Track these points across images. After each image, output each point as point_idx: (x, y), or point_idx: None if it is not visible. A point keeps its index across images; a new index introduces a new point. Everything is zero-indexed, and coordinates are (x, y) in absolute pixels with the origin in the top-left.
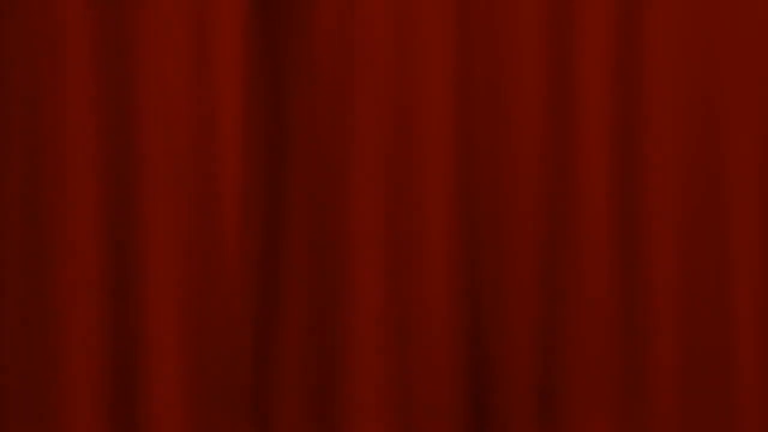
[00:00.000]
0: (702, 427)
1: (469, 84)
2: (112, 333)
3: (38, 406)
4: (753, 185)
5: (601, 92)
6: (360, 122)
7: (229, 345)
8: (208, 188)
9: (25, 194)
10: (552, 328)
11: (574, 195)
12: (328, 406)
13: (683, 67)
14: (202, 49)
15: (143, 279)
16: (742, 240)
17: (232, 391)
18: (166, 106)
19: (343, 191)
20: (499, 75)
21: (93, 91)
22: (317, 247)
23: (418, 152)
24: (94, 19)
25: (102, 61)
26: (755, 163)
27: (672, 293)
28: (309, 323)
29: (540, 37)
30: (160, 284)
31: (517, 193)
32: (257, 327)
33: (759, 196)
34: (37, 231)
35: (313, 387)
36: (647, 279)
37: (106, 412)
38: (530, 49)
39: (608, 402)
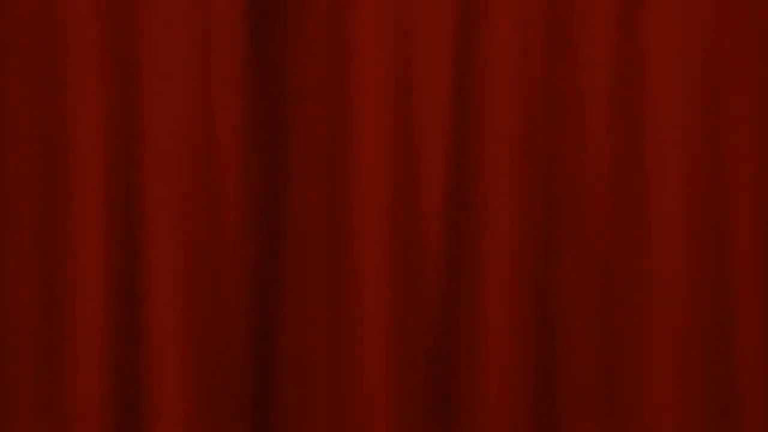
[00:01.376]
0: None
1: (468, 84)
2: (115, 333)
3: (41, 404)
4: (755, 180)
5: (602, 88)
6: (359, 120)
7: (230, 344)
8: (209, 186)
9: (29, 195)
10: (548, 325)
11: (571, 194)
12: (332, 407)
13: (684, 62)
14: (203, 48)
15: (146, 278)
16: (746, 245)
17: (234, 391)
18: (167, 105)
19: (344, 189)
20: (498, 72)
21: (95, 90)
22: (319, 247)
23: (416, 150)
24: (97, 19)
25: (105, 61)
26: (757, 156)
27: (673, 293)
28: (312, 322)
29: (541, 32)
30: (162, 282)
31: (514, 192)
32: (259, 325)
33: (761, 188)
34: (42, 231)
35: (317, 387)
36: (646, 275)
37: (108, 412)
38: (528, 45)
39: (602, 402)
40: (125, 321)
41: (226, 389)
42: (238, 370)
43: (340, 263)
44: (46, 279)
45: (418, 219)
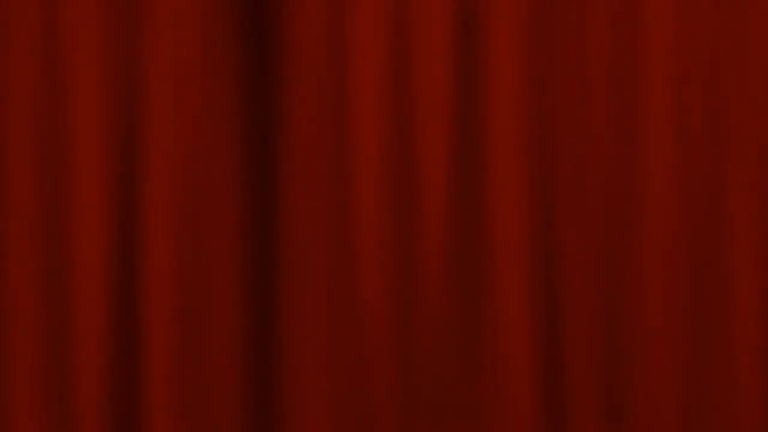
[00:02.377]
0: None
1: (467, 87)
2: (114, 327)
3: (40, 400)
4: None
5: (603, 85)
6: (359, 118)
7: (227, 342)
8: (205, 192)
9: (29, 193)
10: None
11: (573, 190)
12: (332, 404)
13: (683, 60)
14: (201, 46)
15: (145, 273)
16: (744, 258)
17: (231, 385)
18: (166, 102)
19: (343, 190)
20: (498, 69)
21: (96, 90)
22: (319, 248)
23: (417, 150)
24: (98, 20)
25: (105, 60)
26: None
27: (674, 290)
28: (311, 323)
29: (541, 29)
30: (160, 281)
31: (516, 190)
32: (258, 323)
33: (759, 185)
34: (45, 234)
35: (318, 383)
36: (640, 276)
37: (107, 408)
38: (529, 42)
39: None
40: (123, 315)
41: (224, 384)
42: (236, 367)
43: (341, 265)
44: (46, 274)
45: (420, 219)
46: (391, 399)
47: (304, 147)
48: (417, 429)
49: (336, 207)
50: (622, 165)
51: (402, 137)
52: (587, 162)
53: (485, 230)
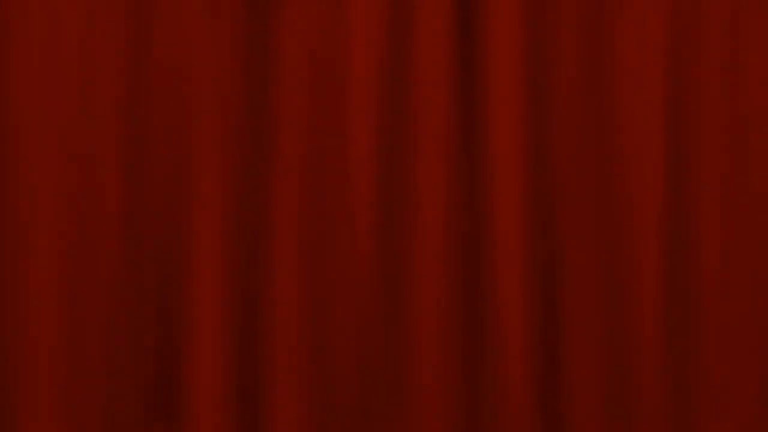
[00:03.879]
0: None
1: (466, 83)
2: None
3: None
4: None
5: (601, 82)
6: (355, 120)
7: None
8: (193, 190)
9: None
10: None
11: (572, 192)
12: (339, 406)
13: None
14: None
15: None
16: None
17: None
18: (168, 99)
19: (339, 190)
20: (498, 69)
21: (104, 86)
22: (310, 246)
23: (411, 154)
24: (118, 15)
25: (116, 60)
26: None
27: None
28: (312, 320)
29: (541, 29)
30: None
31: (516, 191)
32: (253, 323)
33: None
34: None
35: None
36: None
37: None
38: (528, 41)
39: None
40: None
41: (207, 385)
42: (221, 365)
43: (339, 265)
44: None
45: (418, 215)
46: (388, 398)
47: (300, 144)
48: (416, 428)
49: (333, 203)
50: (620, 162)
51: (400, 134)
52: (586, 158)
53: (485, 228)
